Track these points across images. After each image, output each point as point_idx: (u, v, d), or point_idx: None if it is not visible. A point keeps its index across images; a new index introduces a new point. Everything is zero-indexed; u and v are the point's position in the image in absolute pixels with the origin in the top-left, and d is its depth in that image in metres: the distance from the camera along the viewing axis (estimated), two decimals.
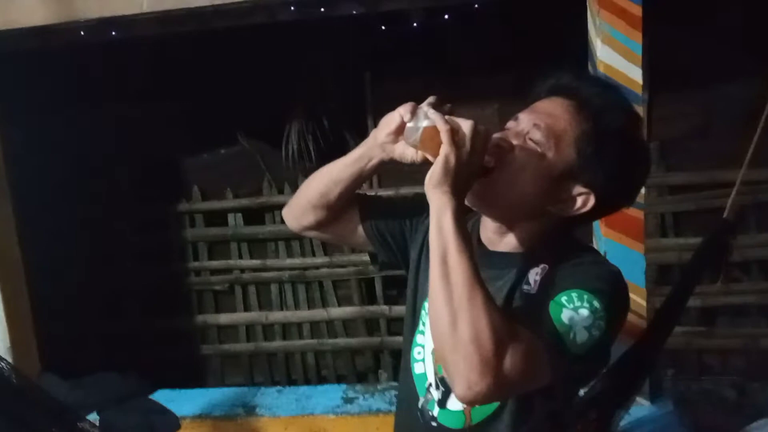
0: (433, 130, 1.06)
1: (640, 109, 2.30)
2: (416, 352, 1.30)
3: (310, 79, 4.01)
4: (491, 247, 1.21)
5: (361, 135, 3.91)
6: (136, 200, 4.09)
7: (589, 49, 2.42)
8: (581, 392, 2.04)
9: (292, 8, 2.88)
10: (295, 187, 4.02)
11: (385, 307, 4.03)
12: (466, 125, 1.06)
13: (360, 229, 1.36)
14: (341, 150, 4.30)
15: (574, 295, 1.05)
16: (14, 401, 1.77)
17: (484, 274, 1.05)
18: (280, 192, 4.08)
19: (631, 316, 2.43)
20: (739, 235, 3.67)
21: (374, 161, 1.23)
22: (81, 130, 3.86)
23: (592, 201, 1.14)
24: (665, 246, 3.78)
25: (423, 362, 1.29)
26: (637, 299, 2.37)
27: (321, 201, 1.30)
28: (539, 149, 1.12)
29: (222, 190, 4.13)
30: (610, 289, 1.08)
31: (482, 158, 1.09)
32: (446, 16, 3.81)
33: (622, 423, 2.25)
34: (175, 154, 4.11)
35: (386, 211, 1.39)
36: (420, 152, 1.12)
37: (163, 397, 2.72)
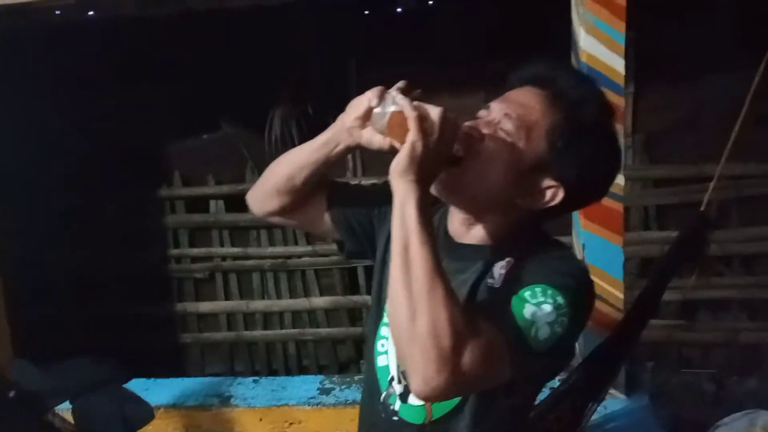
0: (400, 116, 1.03)
1: (622, 100, 2.27)
2: (380, 344, 1.28)
3: (294, 65, 3.97)
4: (458, 239, 1.19)
5: None
6: (116, 185, 4.03)
7: (571, 39, 2.39)
8: (555, 383, 2.04)
9: None
10: None
11: (367, 297, 4.01)
12: (434, 112, 1.03)
13: (326, 215, 1.33)
14: None
15: (537, 290, 1.03)
16: None
17: (449, 266, 1.03)
18: None
19: (608, 309, 2.44)
20: (721, 230, 3.70)
21: (341, 146, 1.19)
22: (60, 114, 3.79)
23: (561, 195, 1.11)
24: (648, 239, 3.77)
25: (386, 355, 1.26)
26: (615, 292, 2.36)
27: (286, 186, 1.27)
28: (509, 140, 1.09)
29: (204, 177, 4.09)
30: (575, 284, 1.06)
31: (451, 147, 1.06)
32: (431, 2, 3.78)
33: (597, 416, 2.24)
34: (156, 139, 4.05)
35: (354, 198, 1.36)
36: (387, 139, 1.09)
37: (137, 386, 2.68)
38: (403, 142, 1.02)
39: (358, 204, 1.34)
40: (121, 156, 3.98)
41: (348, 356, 4.15)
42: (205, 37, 3.71)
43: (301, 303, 4.09)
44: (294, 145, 4.04)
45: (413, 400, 1.21)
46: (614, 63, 2.25)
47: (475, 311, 1.02)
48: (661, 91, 3.71)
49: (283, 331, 4.13)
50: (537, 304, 1.01)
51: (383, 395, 1.26)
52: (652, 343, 3.75)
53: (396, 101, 1.04)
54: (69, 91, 3.79)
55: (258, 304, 4.12)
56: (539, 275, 1.05)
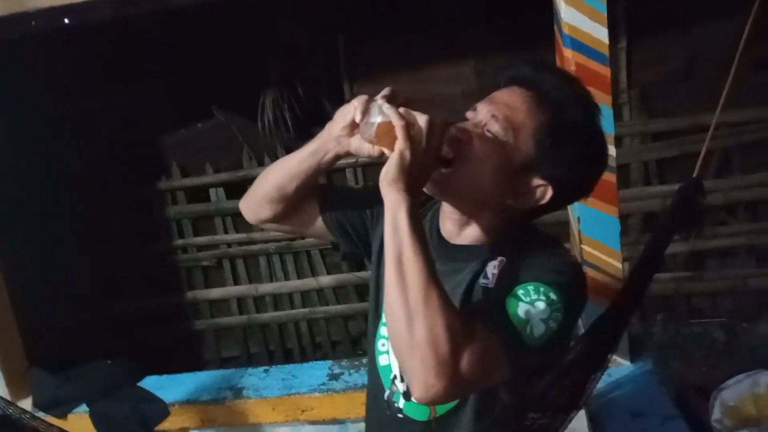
0: (388, 125, 1.04)
1: (608, 70, 2.23)
2: (380, 344, 1.31)
3: (282, 47, 3.93)
4: (451, 240, 1.21)
5: (338, 100, 3.88)
6: (115, 182, 4.05)
7: (554, 12, 2.34)
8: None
9: None
10: (274, 158, 4.00)
11: None
12: (422, 119, 1.04)
13: (320, 220, 1.35)
14: (318, 117, 4.21)
15: (530, 288, 1.05)
16: None
17: (442, 267, 1.04)
18: (260, 164, 4.04)
19: (608, 279, 2.44)
20: (723, 178, 3.67)
21: (330, 155, 1.21)
22: (56, 114, 3.79)
23: (550, 193, 1.13)
24: (649, 194, 3.75)
25: (387, 354, 1.29)
26: (614, 262, 2.36)
27: (278, 194, 1.29)
28: (497, 141, 1.10)
29: (201, 165, 4.09)
30: (567, 280, 1.08)
31: (439, 152, 1.07)
32: None
33: (601, 384, 2.26)
34: (151, 132, 4.05)
35: (346, 201, 1.37)
36: (376, 147, 1.09)
37: (151, 383, 2.75)
38: (392, 150, 1.03)
39: (349, 207, 1.36)
40: (118, 152, 3.99)
41: (359, 331, 4.20)
42: (191, 23, 3.66)
43: (309, 283, 4.12)
44: (287, 127, 4.04)
45: None
46: (597, 33, 2.21)
47: (471, 314, 1.04)
48: (654, 44, 3.64)
49: (294, 311, 4.17)
50: (531, 302, 1.03)
51: (387, 393, 1.29)
52: (660, 296, 3.77)
53: (383, 110, 1.05)
54: (62, 91, 3.78)
55: (267, 287, 4.16)
56: (531, 273, 1.07)
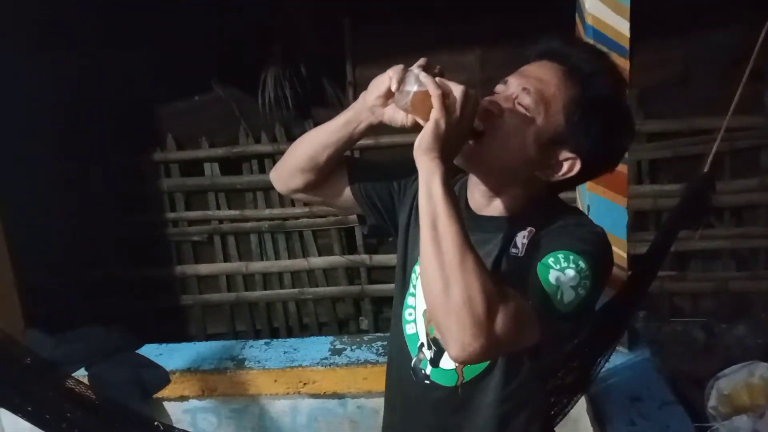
0: (423, 95, 1.05)
1: (627, 63, 2.29)
2: (407, 313, 1.33)
3: (287, 24, 3.91)
4: (479, 212, 1.23)
5: (340, 83, 3.89)
6: (110, 150, 3.98)
7: (576, 1, 2.39)
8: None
9: None
10: (272, 137, 3.99)
11: (365, 256, 4.06)
12: (457, 90, 1.06)
13: (348, 191, 1.37)
14: (319, 98, 4.21)
15: (560, 256, 1.07)
16: None
17: (472, 237, 1.06)
18: (257, 141, 4.03)
19: (614, 269, 2.50)
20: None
21: (363, 125, 1.22)
22: (54, 78, 3.71)
23: (578, 166, 1.15)
24: (641, 193, 3.84)
25: (414, 323, 1.31)
26: (619, 251, 2.42)
27: (309, 165, 1.30)
28: (528, 114, 1.13)
29: (197, 139, 4.05)
30: (595, 249, 1.10)
31: (472, 122, 1.09)
32: None
33: (602, 370, 2.32)
34: (148, 101, 3.99)
35: (374, 174, 1.39)
36: (410, 116, 1.11)
37: (150, 351, 2.73)
38: (426, 119, 1.05)
39: (378, 179, 1.38)
40: (114, 120, 3.92)
41: (347, 313, 4.22)
42: None
43: (299, 263, 4.12)
44: (288, 106, 4.03)
45: (444, 364, 1.26)
46: (620, 26, 2.26)
47: (503, 279, 1.06)
48: (654, 48, 3.72)
49: (284, 291, 4.17)
50: (561, 270, 1.06)
51: (413, 361, 1.31)
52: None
53: (419, 79, 1.07)
54: (59, 55, 3.70)
55: (257, 265, 4.14)
56: (560, 242, 1.10)
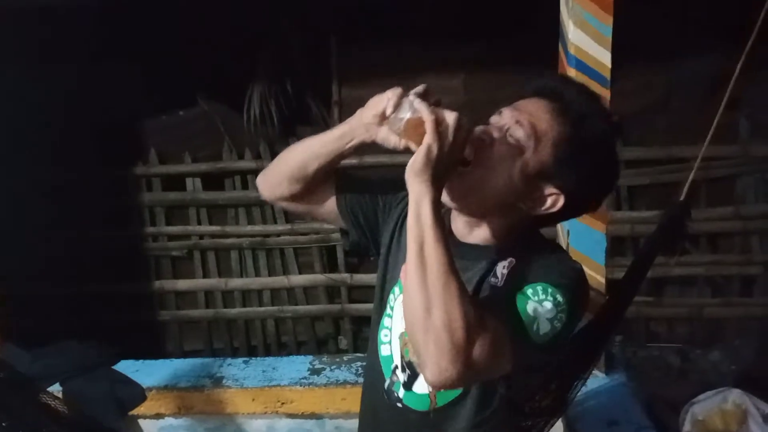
0: (417, 121, 1.08)
1: (608, 93, 2.34)
2: (383, 334, 1.34)
3: (274, 42, 3.93)
4: (461, 239, 1.25)
5: (326, 101, 3.91)
6: (91, 163, 3.96)
7: (560, 30, 2.44)
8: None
9: None
10: (255, 153, 3.99)
11: (346, 275, 4.06)
12: (450, 117, 1.08)
13: (334, 204, 1.38)
14: (304, 116, 4.23)
15: (539, 288, 1.09)
16: None
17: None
18: (240, 157, 4.03)
19: (591, 292, 2.54)
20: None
21: (356, 141, 1.24)
22: (36, 91, 3.68)
23: (561, 202, 1.18)
24: (619, 219, 3.88)
25: (389, 345, 1.32)
26: (597, 277, 2.46)
27: (298, 174, 1.31)
28: (518, 146, 1.15)
29: (180, 154, 4.04)
30: (573, 284, 1.13)
31: (463, 149, 1.12)
32: None
33: (578, 394, 2.34)
34: (132, 115, 3.98)
35: (362, 190, 1.41)
36: (403, 140, 1.14)
37: (126, 367, 2.70)
38: (418, 144, 1.07)
39: (364, 196, 1.39)
40: (96, 134, 3.90)
41: (326, 332, 4.20)
42: (184, 10, 3.63)
43: (279, 281, 4.11)
44: (273, 123, 4.04)
45: (417, 388, 1.28)
46: (601, 56, 2.32)
47: (482, 307, 1.07)
48: (633, 76, 3.79)
49: (262, 308, 4.14)
50: (539, 301, 1.08)
51: (387, 383, 1.32)
52: None
53: (414, 106, 1.09)
54: (42, 68, 3.68)
55: (236, 282, 4.12)
56: (540, 274, 1.12)
